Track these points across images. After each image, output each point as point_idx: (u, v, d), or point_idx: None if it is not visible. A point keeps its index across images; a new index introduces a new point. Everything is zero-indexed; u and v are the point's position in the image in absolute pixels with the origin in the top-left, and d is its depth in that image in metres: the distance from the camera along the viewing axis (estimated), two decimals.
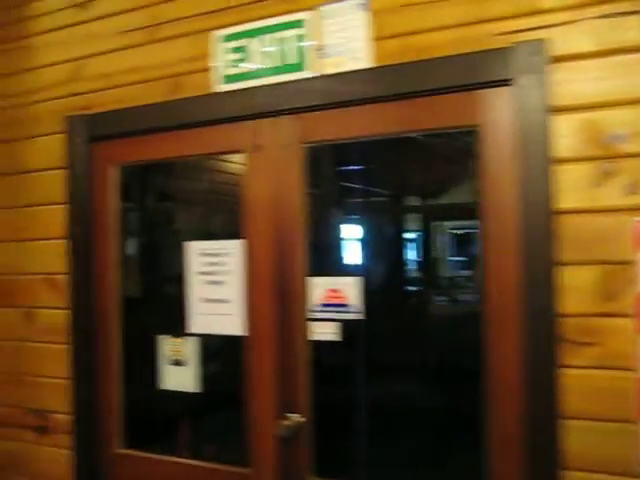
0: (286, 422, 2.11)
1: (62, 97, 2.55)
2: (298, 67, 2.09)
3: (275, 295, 2.13)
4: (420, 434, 2.24)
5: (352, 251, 2.38)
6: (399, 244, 2.69)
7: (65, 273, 2.52)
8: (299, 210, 2.12)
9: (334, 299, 2.06)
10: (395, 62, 1.97)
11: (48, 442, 2.59)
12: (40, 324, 2.60)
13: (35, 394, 2.62)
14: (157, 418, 2.50)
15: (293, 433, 2.11)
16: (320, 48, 2.06)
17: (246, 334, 2.20)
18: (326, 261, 2.28)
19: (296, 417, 2.11)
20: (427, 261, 2.67)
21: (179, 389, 2.34)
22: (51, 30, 2.60)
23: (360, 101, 2.03)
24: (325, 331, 2.08)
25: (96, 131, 2.48)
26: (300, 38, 2.08)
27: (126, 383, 2.46)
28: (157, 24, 2.36)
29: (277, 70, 2.13)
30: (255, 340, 2.18)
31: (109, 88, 2.46)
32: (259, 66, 2.15)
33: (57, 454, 2.56)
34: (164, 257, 2.66)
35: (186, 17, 2.29)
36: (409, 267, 2.74)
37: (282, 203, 2.14)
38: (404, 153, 2.34)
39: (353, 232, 2.51)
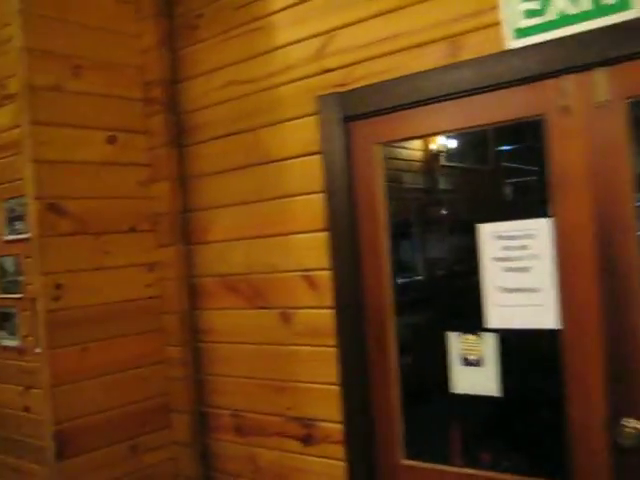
0: (626, 429, 1.93)
1: (311, 76, 2.51)
2: (619, 7, 1.90)
3: (600, 280, 1.96)
4: None
5: None
6: None
7: (326, 269, 2.48)
8: (627, 178, 1.92)
9: None
10: None
11: (316, 453, 2.57)
12: (299, 325, 2.58)
13: (298, 401, 2.61)
14: (446, 424, 2.40)
15: (636, 442, 1.92)
16: None
17: (561, 327, 2.03)
18: None
19: (636, 423, 1.93)
20: None
21: (473, 392, 2.22)
22: (292, 5, 2.56)
23: None
24: None
25: (353, 109, 2.41)
26: None
27: (406, 387, 2.38)
28: None
29: (587, 15, 1.95)
30: (574, 334, 2.02)
31: (365, 60, 2.38)
32: (562, 13, 1.98)
33: (328, 466, 2.53)
34: (444, 242, 2.56)
35: None
36: None
37: (602, 172, 1.96)
38: None
39: None
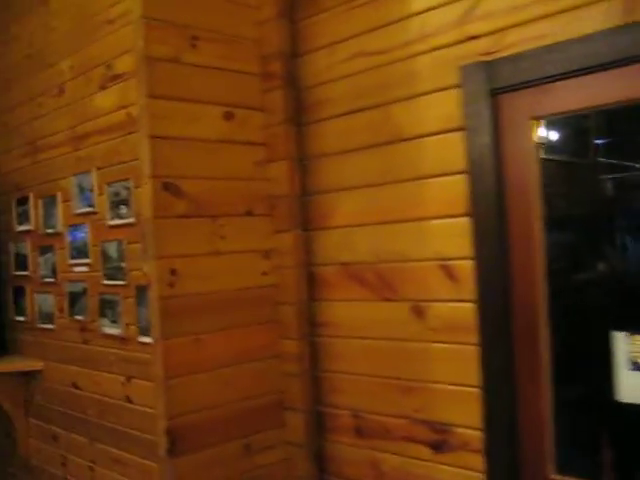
0: None
1: (453, 44, 2.31)
2: None
3: None
4: None
5: None
6: None
7: (467, 258, 2.27)
8: None
9: None
10: None
11: (449, 461, 2.37)
12: (434, 320, 2.38)
13: (429, 403, 2.41)
14: (608, 436, 2.15)
15: None
16: None
17: None
18: None
19: None
20: None
21: None
22: None
23: None
24: None
25: (502, 80, 2.19)
26: None
27: (559, 392, 2.14)
28: None
29: None
30: None
31: (519, 24, 2.16)
32: None
33: (462, 476, 2.34)
34: (610, 233, 2.31)
35: None
36: None
37: None
38: None
39: None
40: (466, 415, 2.30)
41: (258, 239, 2.71)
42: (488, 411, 2.25)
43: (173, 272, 2.46)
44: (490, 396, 2.25)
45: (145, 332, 2.80)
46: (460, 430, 2.33)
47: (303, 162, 2.75)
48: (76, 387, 3.32)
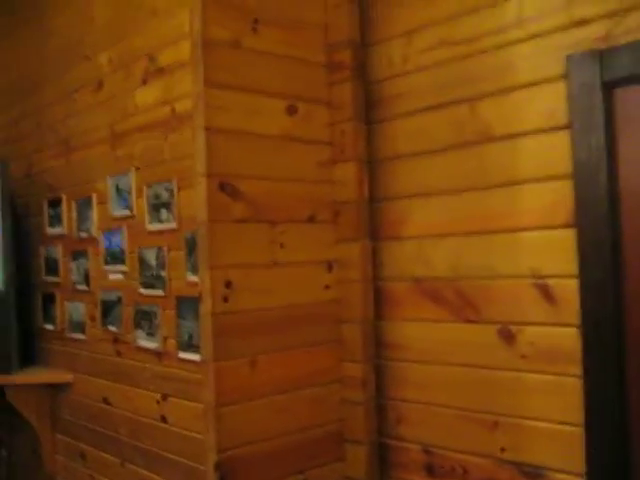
0: None
1: (558, 30, 2.04)
2: None
3: None
4: None
5: None
6: None
7: (569, 276, 1.98)
8: None
9: None
10: None
11: None
12: (526, 347, 2.10)
13: (518, 442, 2.13)
14: None
15: None
16: None
17: None
18: None
19: None
20: None
21: None
22: None
23: None
24: None
25: (619, 71, 1.92)
26: None
27: None
28: None
29: None
30: None
31: None
32: None
33: None
34: None
35: None
36: None
37: None
38: None
39: None
40: (564, 458, 2.02)
41: (320, 249, 2.44)
42: (592, 454, 1.96)
43: (228, 284, 2.20)
44: (595, 436, 1.95)
45: (186, 347, 2.58)
46: (556, 475, 2.05)
47: (372, 164, 2.48)
48: (107, 403, 3.12)
